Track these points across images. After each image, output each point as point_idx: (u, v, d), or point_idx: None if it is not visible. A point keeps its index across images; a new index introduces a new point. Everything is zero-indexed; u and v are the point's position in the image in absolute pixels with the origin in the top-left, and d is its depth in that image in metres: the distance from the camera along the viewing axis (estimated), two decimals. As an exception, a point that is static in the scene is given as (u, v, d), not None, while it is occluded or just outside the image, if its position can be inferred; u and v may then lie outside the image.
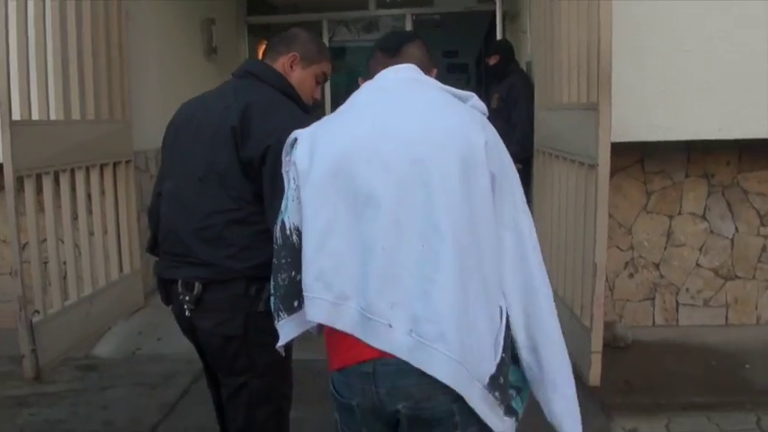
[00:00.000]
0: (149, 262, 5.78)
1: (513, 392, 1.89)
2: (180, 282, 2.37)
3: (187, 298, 2.35)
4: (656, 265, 4.91)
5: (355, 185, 1.76)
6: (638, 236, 4.88)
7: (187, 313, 2.37)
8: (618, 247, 4.88)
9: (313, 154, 1.82)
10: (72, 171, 4.72)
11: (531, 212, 1.91)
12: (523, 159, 5.67)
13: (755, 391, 3.96)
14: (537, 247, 1.87)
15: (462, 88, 1.98)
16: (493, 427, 1.77)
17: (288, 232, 1.91)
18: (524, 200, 1.89)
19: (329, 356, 1.86)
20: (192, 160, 2.36)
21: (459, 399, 1.71)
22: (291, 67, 2.52)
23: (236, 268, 2.30)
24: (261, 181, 2.27)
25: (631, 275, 4.92)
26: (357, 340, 1.73)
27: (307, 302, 1.83)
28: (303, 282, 1.84)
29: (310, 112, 2.46)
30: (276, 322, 1.99)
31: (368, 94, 1.95)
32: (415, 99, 1.88)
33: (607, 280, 4.82)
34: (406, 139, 1.76)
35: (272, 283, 1.99)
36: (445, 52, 13.80)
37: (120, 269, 5.33)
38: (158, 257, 2.55)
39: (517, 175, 1.88)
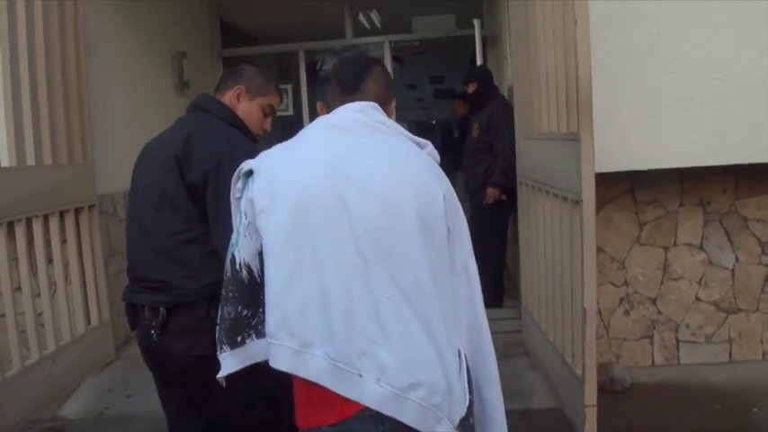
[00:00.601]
0: (120, 311, 5.50)
1: None
2: (146, 307, 2.47)
3: (153, 323, 2.44)
4: (653, 301, 4.62)
5: (319, 233, 1.74)
6: (632, 270, 4.59)
7: (155, 338, 2.45)
8: (612, 283, 4.58)
9: (273, 194, 1.79)
10: (29, 220, 4.41)
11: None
12: (508, 190, 5.42)
13: (766, 440, 3.67)
14: (480, 290, 1.94)
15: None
16: None
17: (238, 267, 1.91)
18: (471, 245, 1.93)
19: (313, 411, 1.81)
20: (149, 191, 2.50)
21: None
22: (238, 99, 2.67)
23: (193, 288, 2.42)
24: (206, 203, 2.39)
25: (627, 312, 4.62)
26: (330, 399, 1.72)
27: (270, 348, 1.81)
28: (267, 327, 1.82)
29: (259, 143, 2.53)
30: (218, 353, 2.00)
31: (326, 131, 1.90)
32: (378, 146, 1.86)
33: (602, 318, 4.56)
34: (369, 190, 1.75)
35: (219, 313, 2.00)
36: (431, 78, 13.70)
37: (88, 321, 5.00)
38: None
39: (466, 223, 1.92)
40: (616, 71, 4.01)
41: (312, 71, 10.85)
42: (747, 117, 4.04)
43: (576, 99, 3.30)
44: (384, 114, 1.97)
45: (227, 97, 2.68)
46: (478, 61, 6.89)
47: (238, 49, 8.80)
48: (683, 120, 4.06)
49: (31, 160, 4.41)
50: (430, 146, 1.98)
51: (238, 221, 1.91)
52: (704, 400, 4.15)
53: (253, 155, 1.93)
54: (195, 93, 7.25)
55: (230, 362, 1.99)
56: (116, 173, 5.59)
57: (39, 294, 4.57)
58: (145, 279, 2.50)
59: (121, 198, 5.66)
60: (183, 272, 2.42)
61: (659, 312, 4.63)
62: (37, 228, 4.50)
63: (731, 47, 4.02)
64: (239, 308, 1.94)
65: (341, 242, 1.73)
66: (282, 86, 8.29)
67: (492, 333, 2.37)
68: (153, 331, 2.45)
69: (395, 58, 8.54)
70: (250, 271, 1.90)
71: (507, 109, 5.57)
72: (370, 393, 1.69)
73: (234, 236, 1.92)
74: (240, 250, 1.89)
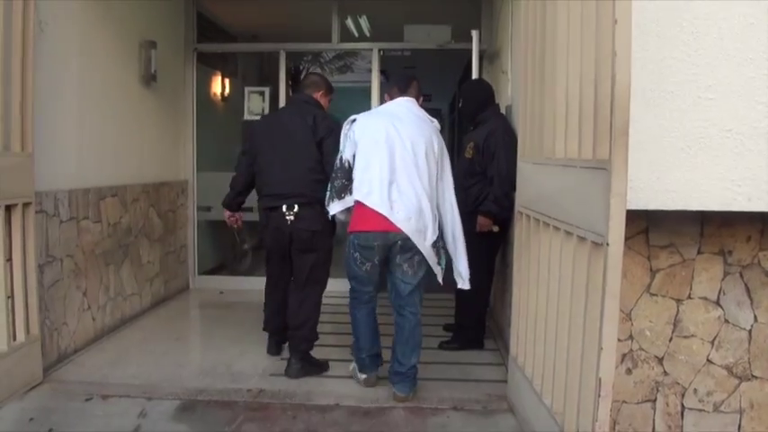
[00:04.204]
0: (54, 326, 4.86)
1: (441, 258, 4.40)
2: (284, 206, 4.69)
3: (290, 214, 4.68)
4: (660, 360, 4.04)
5: (383, 149, 4.23)
6: (638, 323, 4.00)
7: (289, 223, 4.70)
8: (614, 336, 3.98)
9: (363, 131, 4.32)
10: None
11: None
12: (502, 221, 4.84)
13: None
14: (452, 189, 4.50)
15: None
16: (430, 262, 4.32)
17: (343, 161, 4.39)
18: (450, 165, 4.51)
19: (358, 223, 4.30)
20: (289, 143, 4.76)
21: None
22: (325, 100, 5.10)
23: (317, 196, 4.61)
24: (322, 151, 4.71)
25: (629, 371, 4.03)
26: (375, 219, 4.20)
27: (354, 193, 4.31)
28: (354, 186, 4.31)
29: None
30: (329, 204, 4.46)
31: (390, 107, 4.52)
32: (410, 118, 4.40)
33: (599, 376, 3.95)
34: (406, 134, 4.27)
35: (329, 185, 4.46)
36: (419, 96, 13.21)
37: (13, 337, 4.35)
38: (237, 205, 5.33)
39: (447, 156, 4.50)
40: (644, 90, 3.47)
41: (294, 75, 10.30)
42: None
43: (608, 119, 2.69)
44: (416, 104, 4.53)
45: (318, 95, 5.01)
46: (474, 76, 6.30)
47: (216, 45, 8.24)
48: (719, 154, 3.51)
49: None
50: (435, 121, 4.52)
51: (346, 141, 4.39)
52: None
53: (340, 123, 4.47)
54: (165, 86, 6.82)
55: (336, 206, 4.41)
56: (63, 167, 5.00)
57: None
58: (286, 193, 4.70)
59: (66, 196, 5.02)
60: (312, 187, 4.66)
61: (665, 373, 4.05)
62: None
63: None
64: (344, 181, 4.34)
65: (388, 158, 4.21)
66: (259, 89, 7.69)
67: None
68: (288, 218, 4.67)
69: (383, 72, 7.96)
70: (349, 163, 4.33)
71: (508, 129, 5.01)
72: (397, 216, 4.16)
73: (341, 147, 4.42)
74: (344, 154, 4.37)
